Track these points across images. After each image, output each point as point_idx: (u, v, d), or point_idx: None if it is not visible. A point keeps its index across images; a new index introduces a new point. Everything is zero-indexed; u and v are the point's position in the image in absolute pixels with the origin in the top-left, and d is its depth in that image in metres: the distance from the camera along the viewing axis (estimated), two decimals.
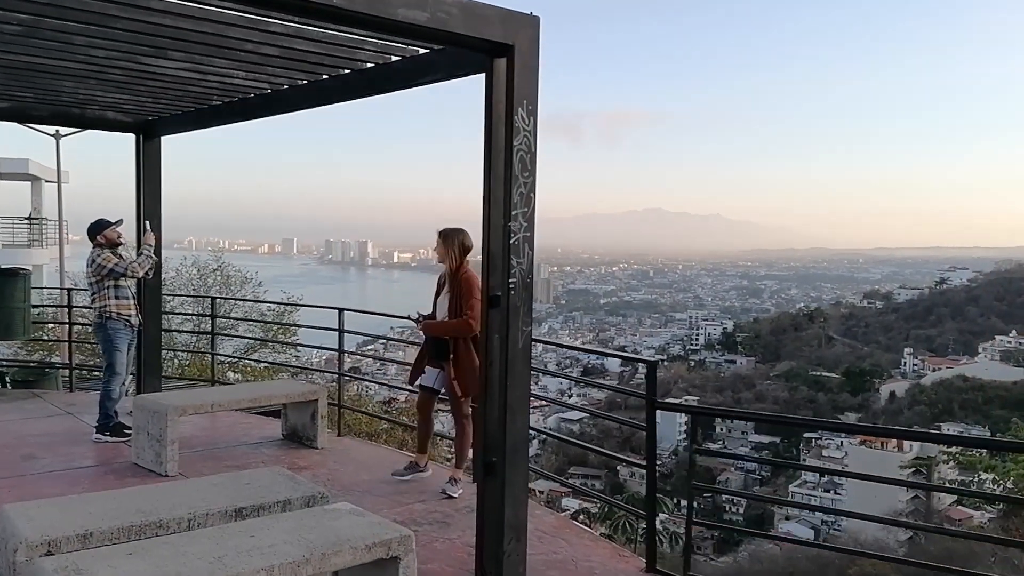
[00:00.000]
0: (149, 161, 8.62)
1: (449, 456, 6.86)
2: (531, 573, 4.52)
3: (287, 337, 19.11)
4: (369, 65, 5.56)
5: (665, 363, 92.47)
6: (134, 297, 7.82)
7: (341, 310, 8.02)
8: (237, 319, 17.38)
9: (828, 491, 60.46)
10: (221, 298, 17.51)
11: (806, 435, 67.12)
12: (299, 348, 19.39)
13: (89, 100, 7.51)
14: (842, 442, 66.10)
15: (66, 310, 11.11)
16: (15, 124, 23.27)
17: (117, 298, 7.59)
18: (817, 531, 53.94)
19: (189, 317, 17.05)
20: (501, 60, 4.26)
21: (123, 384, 7.76)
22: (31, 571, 3.36)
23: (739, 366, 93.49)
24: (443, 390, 6.35)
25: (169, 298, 18.28)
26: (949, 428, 64.43)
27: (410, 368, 6.64)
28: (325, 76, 5.98)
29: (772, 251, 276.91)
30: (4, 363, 11.92)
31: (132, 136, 8.63)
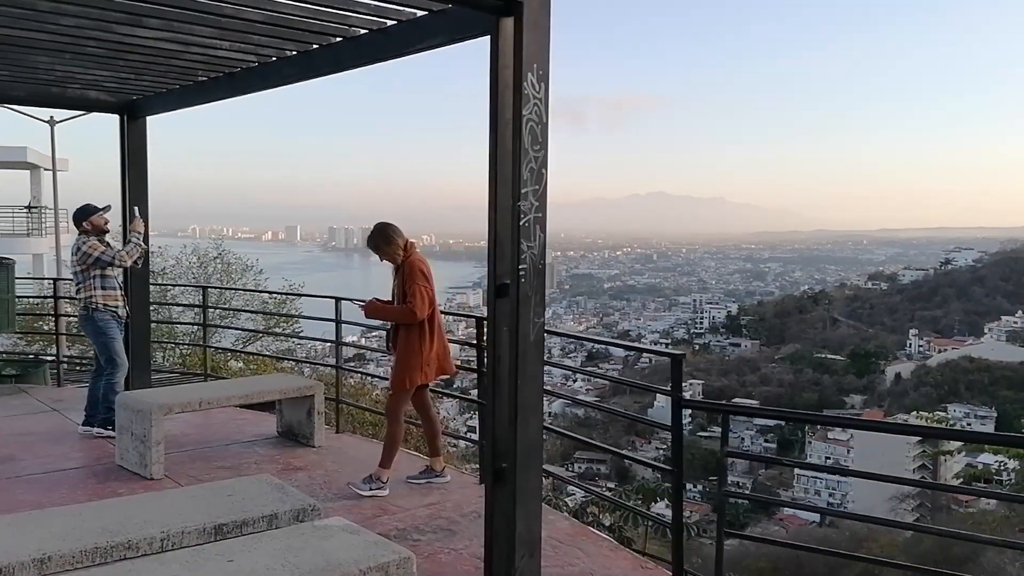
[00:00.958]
0: (134, 143, 8.14)
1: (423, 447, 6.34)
2: None
3: (287, 326, 18.71)
4: (362, 32, 5.08)
5: (669, 346, 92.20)
6: (121, 287, 7.38)
7: (338, 299, 7.55)
8: (234, 310, 16.96)
9: (834, 475, 60.31)
10: (214, 287, 17.07)
11: None
12: (300, 339, 18.98)
13: (68, 77, 7.04)
14: None
15: (53, 301, 10.67)
16: (11, 112, 23.06)
17: (104, 288, 7.15)
18: (823, 514, 53.75)
19: (189, 307, 16.60)
20: (508, 20, 3.79)
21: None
22: None
23: (744, 349, 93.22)
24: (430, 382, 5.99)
25: (167, 287, 17.88)
26: (955, 409, 64.45)
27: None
28: (315, 46, 5.50)
29: (776, 233, 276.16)
30: None
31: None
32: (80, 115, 24.27)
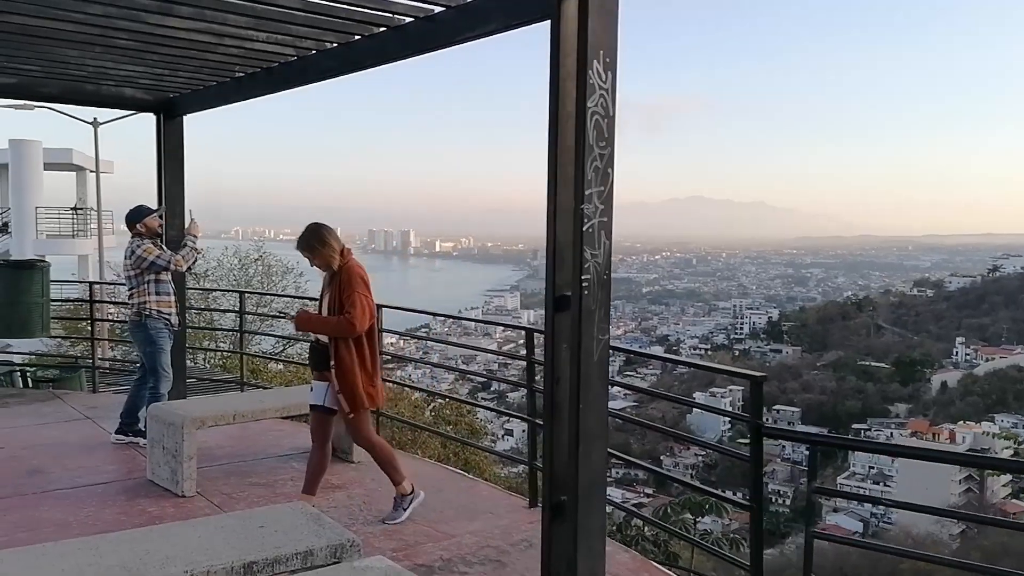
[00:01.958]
0: (171, 142, 7.89)
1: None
2: None
3: None
4: (408, 20, 4.71)
5: (709, 352, 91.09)
6: (175, 293, 7.06)
7: (380, 307, 7.18)
8: (273, 316, 16.74)
9: (877, 483, 59.18)
10: (250, 292, 16.82)
11: (854, 426, 65.61)
12: None
13: (101, 73, 6.78)
14: (892, 434, 64.59)
15: (89, 305, 10.44)
16: (57, 114, 23.17)
17: (158, 294, 6.78)
18: (866, 524, 52.72)
19: (227, 311, 16.43)
20: (570, 2, 3.41)
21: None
22: None
23: (785, 356, 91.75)
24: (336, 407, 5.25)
25: (207, 293, 17.71)
26: (1003, 419, 62.83)
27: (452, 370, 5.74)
28: (357, 36, 5.14)
29: (818, 239, 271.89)
30: (23, 363, 11.33)
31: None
32: (123, 116, 24.45)
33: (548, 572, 3.64)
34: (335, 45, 5.35)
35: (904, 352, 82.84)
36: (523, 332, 6.16)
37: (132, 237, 6.82)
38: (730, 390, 70.83)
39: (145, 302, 6.74)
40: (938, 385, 74.46)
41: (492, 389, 61.50)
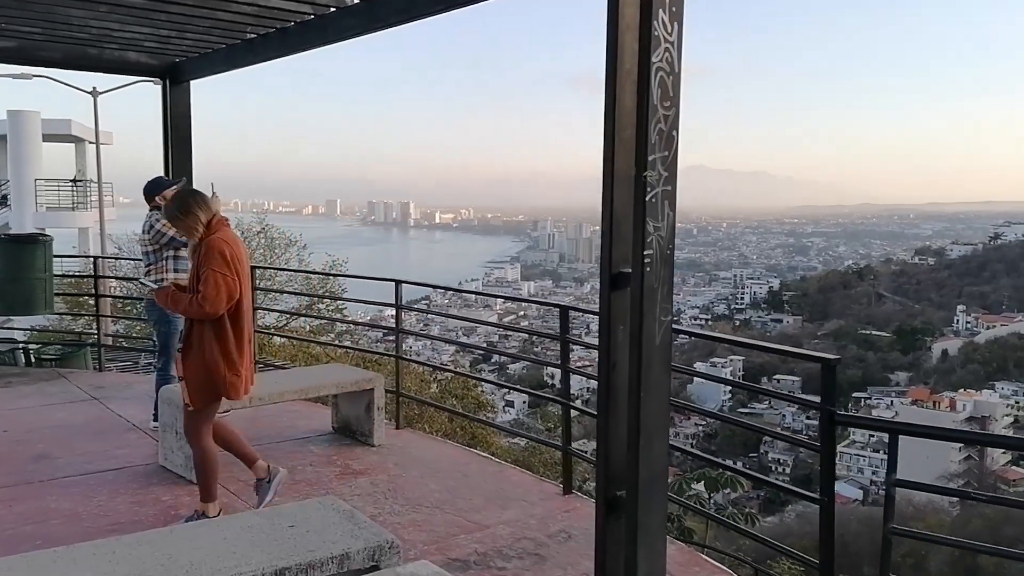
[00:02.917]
0: (177, 110, 7.53)
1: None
2: None
3: (331, 305, 18.24)
4: None
5: (709, 322, 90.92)
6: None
7: (398, 282, 6.84)
8: (277, 291, 16.47)
9: (877, 451, 59.39)
10: (254, 267, 16.50)
11: (854, 394, 65.78)
12: (356, 324, 18.54)
13: (105, 36, 6.39)
14: (892, 401, 64.65)
15: (93, 281, 10.12)
16: (55, 83, 22.66)
17: (176, 271, 6.25)
18: (866, 491, 52.92)
19: None
20: None
21: None
22: None
23: (786, 325, 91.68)
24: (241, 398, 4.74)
25: None
26: (1003, 387, 62.91)
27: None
28: None
29: (819, 207, 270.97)
30: (25, 340, 11.01)
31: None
32: (123, 85, 23.98)
33: (603, 572, 3.35)
34: (357, 1, 4.98)
35: (905, 320, 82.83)
36: (538, 307, 5.81)
37: (150, 210, 6.32)
38: (730, 360, 70.77)
39: (164, 279, 6.30)
40: (939, 353, 74.64)
41: (492, 361, 61.29)
